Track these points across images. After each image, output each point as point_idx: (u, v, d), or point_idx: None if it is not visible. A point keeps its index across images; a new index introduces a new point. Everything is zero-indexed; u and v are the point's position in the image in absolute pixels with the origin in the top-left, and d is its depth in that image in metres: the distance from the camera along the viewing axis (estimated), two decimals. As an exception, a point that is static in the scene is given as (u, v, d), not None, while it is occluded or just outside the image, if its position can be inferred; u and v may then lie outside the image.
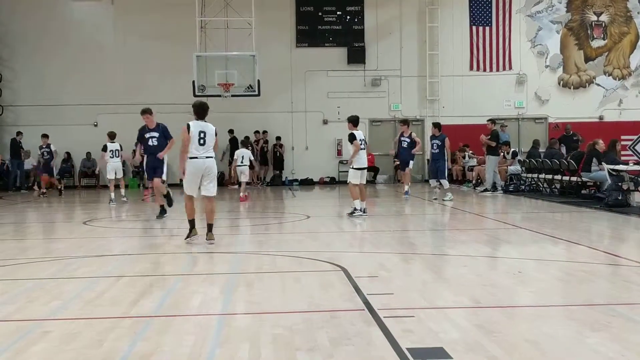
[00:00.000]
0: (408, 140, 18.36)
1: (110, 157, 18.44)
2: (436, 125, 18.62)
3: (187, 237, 10.06)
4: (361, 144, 13.80)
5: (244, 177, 19.05)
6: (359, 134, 14.02)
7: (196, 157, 9.83)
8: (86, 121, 26.24)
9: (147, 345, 4.91)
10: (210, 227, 9.96)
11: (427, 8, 27.41)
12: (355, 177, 13.99)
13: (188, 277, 7.65)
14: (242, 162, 18.90)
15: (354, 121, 14.11)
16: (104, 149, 18.61)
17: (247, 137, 24.44)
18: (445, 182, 17.90)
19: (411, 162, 18.72)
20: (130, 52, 26.67)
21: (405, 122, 19.07)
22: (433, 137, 18.49)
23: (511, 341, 4.87)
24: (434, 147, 18.19)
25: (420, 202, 18.94)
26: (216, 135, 10.14)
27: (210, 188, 10.00)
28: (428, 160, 26.85)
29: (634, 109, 27.66)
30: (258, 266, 8.34)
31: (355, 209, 13.85)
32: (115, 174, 18.50)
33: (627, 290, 6.67)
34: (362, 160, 13.91)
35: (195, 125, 9.93)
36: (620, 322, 5.34)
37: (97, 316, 5.83)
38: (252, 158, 19.59)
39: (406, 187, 18.66)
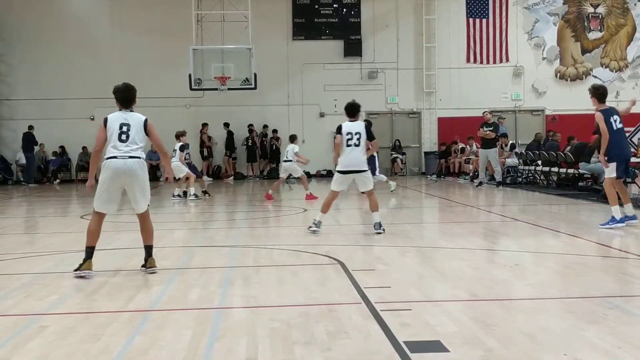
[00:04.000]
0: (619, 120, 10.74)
1: None
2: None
3: (78, 268, 7.20)
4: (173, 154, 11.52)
5: (180, 173, 16.35)
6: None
7: (115, 157, 7.22)
8: (83, 115, 26.15)
9: (145, 340, 4.91)
10: (149, 250, 7.48)
11: (423, 0, 27.36)
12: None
13: (185, 271, 7.64)
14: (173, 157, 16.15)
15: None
16: None
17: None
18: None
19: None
20: (126, 45, 26.60)
21: None
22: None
23: (508, 334, 4.88)
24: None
25: (417, 194, 18.94)
26: (146, 127, 7.38)
27: (139, 202, 7.40)
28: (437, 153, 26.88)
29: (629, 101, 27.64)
30: (255, 260, 8.35)
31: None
32: None
33: (623, 283, 6.69)
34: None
35: (115, 118, 7.40)
36: (617, 314, 5.36)
37: (94, 310, 5.83)
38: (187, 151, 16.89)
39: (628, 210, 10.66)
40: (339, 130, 10.28)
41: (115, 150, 7.22)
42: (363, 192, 10.76)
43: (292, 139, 17.76)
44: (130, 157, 7.21)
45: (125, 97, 7.49)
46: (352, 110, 10.47)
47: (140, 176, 7.29)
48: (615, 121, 10.40)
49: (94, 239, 7.34)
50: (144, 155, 7.36)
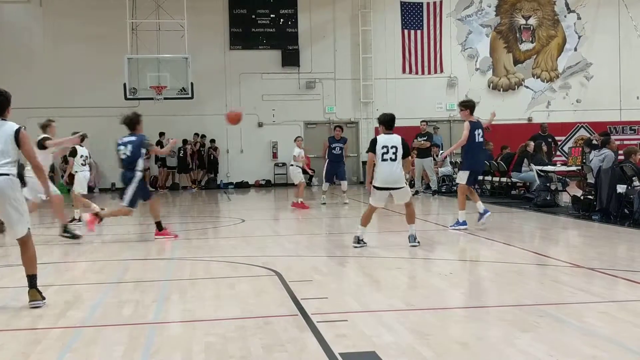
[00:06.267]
0: (482, 134, 12.07)
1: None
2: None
3: None
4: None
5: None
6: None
7: None
8: (14, 125, 25.53)
9: (76, 357, 4.80)
10: (31, 280, 6.40)
11: (359, 12, 27.59)
12: None
13: (119, 285, 7.50)
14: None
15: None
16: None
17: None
18: None
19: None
20: (60, 54, 26.06)
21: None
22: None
23: (443, 344, 4.93)
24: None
25: (356, 203, 19.03)
26: (18, 138, 6.32)
27: (15, 226, 6.37)
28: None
29: (561, 111, 28.42)
30: (192, 272, 8.25)
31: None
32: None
33: (555, 290, 6.83)
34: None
35: None
36: (548, 322, 5.46)
37: (23, 328, 5.66)
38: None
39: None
40: (372, 144, 9.63)
41: None
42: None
43: (295, 140, 17.33)
44: None
45: None
46: (390, 123, 9.90)
47: (10, 196, 6.21)
48: (478, 134, 11.59)
49: None
50: (15, 171, 6.29)
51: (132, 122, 11.50)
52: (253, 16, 27.31)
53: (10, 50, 25.97)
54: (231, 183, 27.13)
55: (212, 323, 5.64)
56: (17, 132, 6.29)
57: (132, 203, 11.07)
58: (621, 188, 12.20)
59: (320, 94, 27.76)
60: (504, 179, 18.17)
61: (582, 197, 13.66)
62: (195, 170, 27.06)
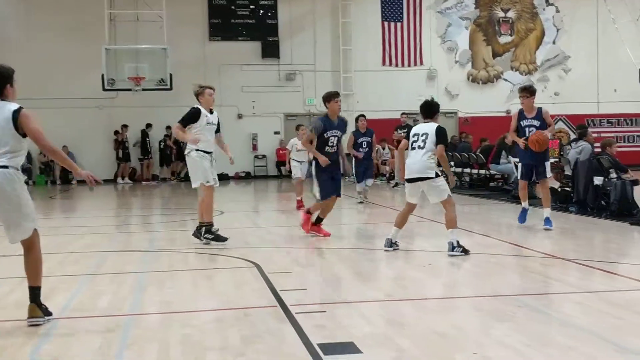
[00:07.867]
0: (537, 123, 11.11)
1: None
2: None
3: None
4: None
5: None
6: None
7: None
8: (-10, 116, 25.28)
9: (52, 349, 4.76)
10: (33, 293, 5.48)
11: (339, 3, 27.52)
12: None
13: (95, 277, 7.45)
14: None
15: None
16: None
17: None
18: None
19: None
20: (36, 44, 25.73)
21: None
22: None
23: (420, 334, 4.94)
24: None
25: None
26: (16, 121, 5.27)
27: (20, 225, 5.41)
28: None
29: (539, 104, 28.35)
30: (170, 264, 8.21)
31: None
32: None
33: (532, 281, 6.88)
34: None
35: None
36: (525, 312, 5.49)
37: (-2, 320, 5.61)
38: None
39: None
40: (408, 133, 8.91)
41: None
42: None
43: (296, 129, 14.92)
44: None
45: None
46: (426, 110, 9.01)
47: (7, 192, 5.23)
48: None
49: None
50: (15, 163, 5.31)
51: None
52: (232, 7, 27.15)
53: (-15, 40, 25.64)
54: (210, 175, 27.00)
55: (189, 315, 5.62)
56: (16, 113, 5.29)
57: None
58: (598, 180, 12.30)
59: (300, 85, 27.69)
60: (482, 171, 18.26)
61: (559, 189, 13.75)
62: (175, 162, 26.91)
